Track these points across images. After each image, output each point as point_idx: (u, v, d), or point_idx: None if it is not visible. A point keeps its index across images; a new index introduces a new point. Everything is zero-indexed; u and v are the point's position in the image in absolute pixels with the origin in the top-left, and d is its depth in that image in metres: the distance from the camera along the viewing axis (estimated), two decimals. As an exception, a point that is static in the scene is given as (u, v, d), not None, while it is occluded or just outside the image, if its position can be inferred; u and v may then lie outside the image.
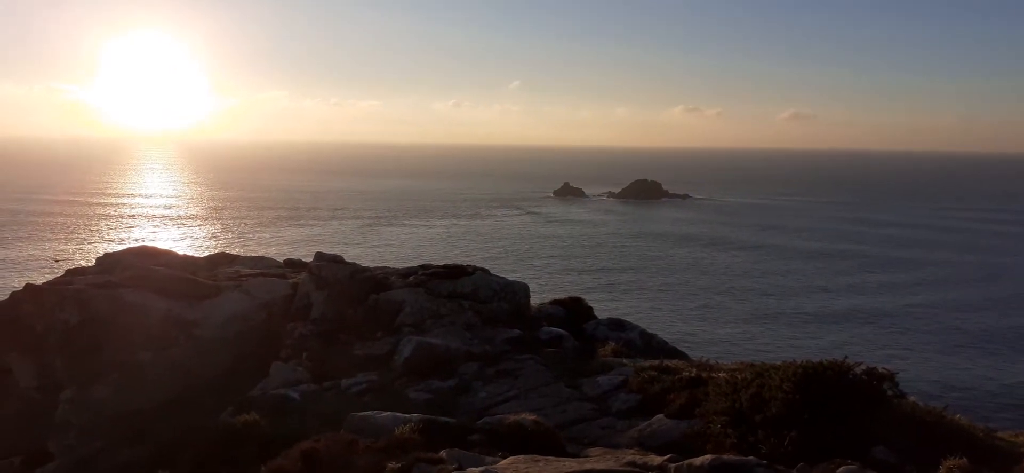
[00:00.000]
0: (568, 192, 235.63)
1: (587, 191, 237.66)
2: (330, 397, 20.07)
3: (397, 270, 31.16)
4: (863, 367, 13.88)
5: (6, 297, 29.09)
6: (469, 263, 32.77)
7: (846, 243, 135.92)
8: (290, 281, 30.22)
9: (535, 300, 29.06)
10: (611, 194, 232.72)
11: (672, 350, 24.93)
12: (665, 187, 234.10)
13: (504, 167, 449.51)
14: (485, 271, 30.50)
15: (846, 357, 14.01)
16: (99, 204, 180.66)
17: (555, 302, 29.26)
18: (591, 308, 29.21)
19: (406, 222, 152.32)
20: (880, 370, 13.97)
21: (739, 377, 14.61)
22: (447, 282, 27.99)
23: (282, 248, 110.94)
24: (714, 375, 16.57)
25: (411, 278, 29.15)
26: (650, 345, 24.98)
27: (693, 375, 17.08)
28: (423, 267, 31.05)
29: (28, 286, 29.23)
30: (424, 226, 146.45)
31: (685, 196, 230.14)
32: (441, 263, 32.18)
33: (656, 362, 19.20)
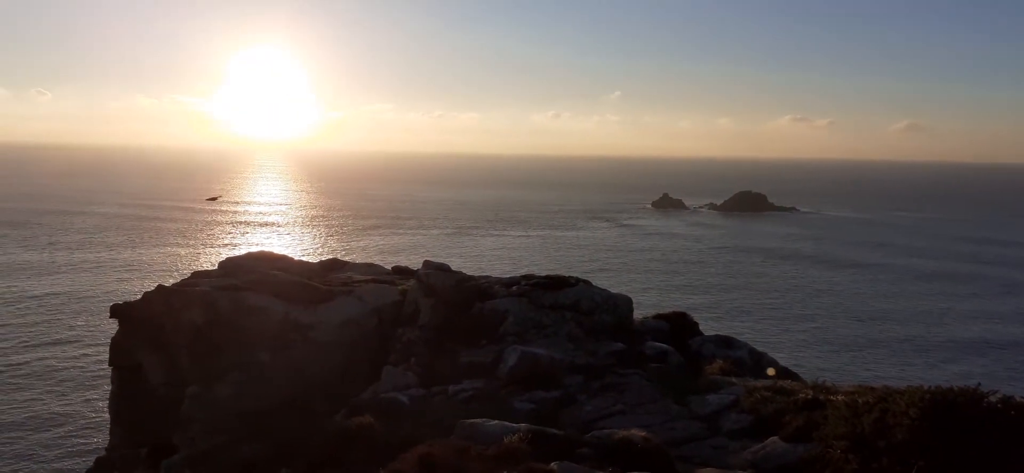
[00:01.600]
0: (668, 204, 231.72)
1: (687, 202, 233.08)
2: (438, 403, 20.48)
3: (500, 279, 31.53)
4: (998, 396, 13.04)
5: (139, 297, 31.26)
6: (570, 274, 32.81)
7: (967, 264, 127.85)
8: (399, 288, 31.06)
9: (637, 314, 28.80)
10: (712, 206, 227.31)
11: (783, 370, 24.14)
12: (770, 199, 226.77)
13: (602, 178, 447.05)
14: (587, 283, 30.44)
15: (978, 384, 13.20)
16: (221, 209, 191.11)
17: (659, 316, 28.89)
18: (696, 323, 28.67)
19: (506, 232, 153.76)
20: (1018, 400, 13.08)
21: (860, 401, 14.00)
22: (549, 293, 28.09)
23: (389, 255, 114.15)
24: (832, 398, 15.93)
25: (514, 288, 29.42)
26: (759, 364, 24.28)
27: (809, 397, 16.48)
28: (525, 277, 31.27)
29: (159, 287, 31.22)
30: (524, 236, 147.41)
31: (792, 209, 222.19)
32: (543, 274, 32.33)
33: (769, 382, 18.65)
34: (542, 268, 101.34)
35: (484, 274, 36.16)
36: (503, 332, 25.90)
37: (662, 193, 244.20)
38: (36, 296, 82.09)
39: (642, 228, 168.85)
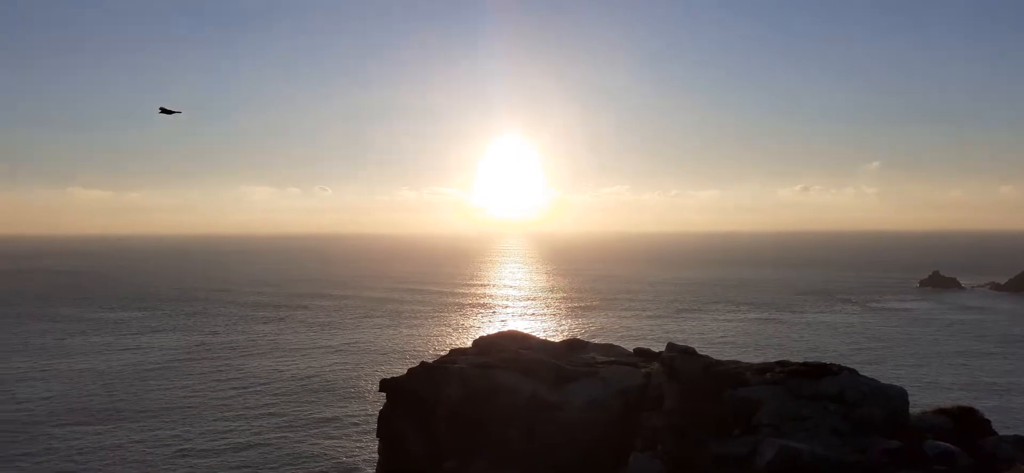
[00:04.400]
0: (938, 282, 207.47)
1: (963, 281, 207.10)
2: (689, 494, 19.67)
3: (751, 365, 29.95)
4: None
5: (405, 373, 33.97)
6: (829, 362, 30.31)
7: None
8: (643, 371, 30.65)
9: (913, 409, 25.84)
10: (994, 285, 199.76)
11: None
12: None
13: (860, 255, 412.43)
14: (852, 371, 27.99)
15: None
16: (473, 290, 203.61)
17: (940, 411, 25.73)
18: (988, 421, 25.11)
19: (754, 314, 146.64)
20: None
21: None
22: (809, 381, 26.16)
23: (628, 337, 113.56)
24: None
25: (768, 375, 27.78)
26: (1075, 474, 20.49)
27: None
28: (780, 364, 29.45)
29: (422, 364, 33.70)
30: (773, 319, 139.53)
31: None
32: (799, 360, 30.24)
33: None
34: (796, 354, 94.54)
35: (732, 359, 34.58)
36: (757, 423, 24.43)
37: (932, 271, 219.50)
38: (316, 365, 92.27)
39: (910, 311, 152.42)
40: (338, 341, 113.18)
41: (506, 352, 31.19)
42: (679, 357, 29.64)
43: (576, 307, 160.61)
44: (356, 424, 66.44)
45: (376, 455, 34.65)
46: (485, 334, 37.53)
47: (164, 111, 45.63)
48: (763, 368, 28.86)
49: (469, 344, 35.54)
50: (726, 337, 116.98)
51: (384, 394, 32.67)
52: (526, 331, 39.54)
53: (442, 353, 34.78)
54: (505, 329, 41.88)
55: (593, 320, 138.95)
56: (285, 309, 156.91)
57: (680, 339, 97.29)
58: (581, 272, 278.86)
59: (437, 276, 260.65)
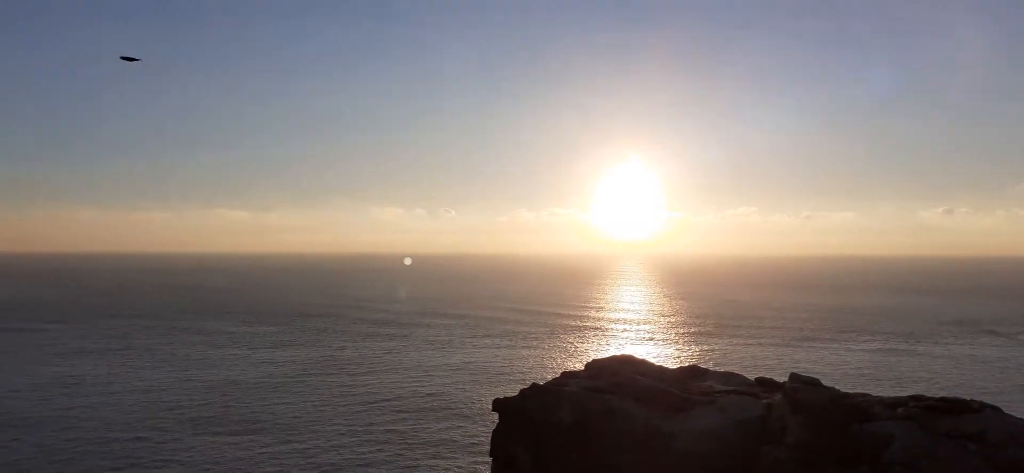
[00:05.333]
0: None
1: None
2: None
3: (882, 399, 28.29)
4: None
5: (518, 393, 34.24)
6: (971, 398, 28.17)
7: None
8: (763, 401, 29.50)
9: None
10: None
11: None
12: None
13: (1009, 283, 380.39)
14: (996, 409, 25.87)
15: None
16: (588, 312, 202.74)
17: (1102, 459, 23.21)
18: None
19: (887, 344, 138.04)
20: None
21: None
22: (946, 418, 24.39)
23: (750, 366, 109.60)
24: None
25: (900, 410, 26.13)
26: None
27: None
28: (914, 398, 27.66)
29: (533, 385, 33.88)
30: (908, 350, 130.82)
31: None
32: (936, 395, 28.31)
33: None
34: (934, 389, 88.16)
35: (861, 391, 32.71)
36: (888, 460, 22.97)
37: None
38: (435, 383, 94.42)
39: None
40: (456, 360, 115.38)
41: (619, 377, 30.84)
42: (803, 388, 28.38)
43: (696, 333, 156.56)
44: (472, 444, 67.42)
45: (490, 475, 35.02)
46: (598, 357, 37.25)
47: (125, 59, 46.64)
48: (895, 402, 27.19)
49: (582, 367, 35.39)
50: (855, 368, 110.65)
51: (497, 414, 33.05)
52: (641, 356, 38.93)
53: (554, 375, 34.79)
54: (619, 353, 41.37)
55: (713, 347, 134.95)
56: (408, 327, 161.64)
57: (805, 369, 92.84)
58: (702, 296, 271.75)
59: (552, 297, 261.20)
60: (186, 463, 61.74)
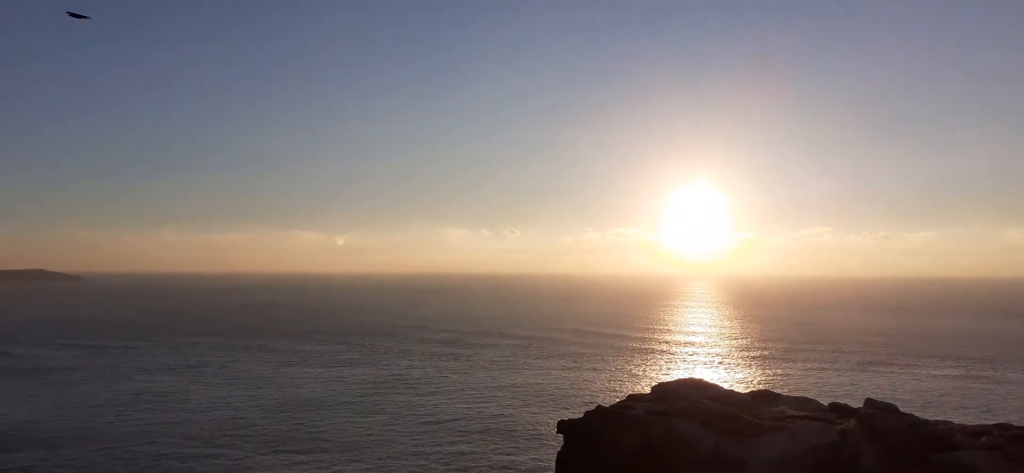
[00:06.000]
0: None
1: None
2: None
3: (964, 427, 27.16)
4: None
5: (582, 415, 34.13)
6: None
7: None
8: (837, 427, 28.69)
9: None
10: None
11: None
12: None
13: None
14: (1090, 442, 24.51)
15: None
16: (654, 333, 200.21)
17: None
18: None
19: (969, 371, 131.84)
20: None
21: None
22: (1035, 450, 23.23)
23: (824, 390, 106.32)
24: None
25: (984, 439, 25.06)
26: None
27: None
28: (999, 427, 26.48)
29: (598, 408, 33.70)
30: (992, 375, 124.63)
31: None
32: (1023, 424, 26.99)
33: None
34: (1021, 418, 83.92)
35: (942, 419, 31.46)
36: (970, 492, 21.99)
37: None
38: (500, 404, 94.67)
39: None
40: (520, 381, 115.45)
41: (687, 400, 30.45)
42: (879, 414, 27.51)
43: (767, 356, 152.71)
44: (537, 467, 67.25)
45: (555, 497, 34.88)
46: (665, 380, 36.82)
47: (73, 15, 46.96)
48: (978, 431, 26.08)
49: (647, 390, 35.05)
50: (936, 395, 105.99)
51: (562, 436, 33.01)
52: (710, 380, 38.28)
53: (619, 397, 34.56)
54: (687, 376, 40.83)
55: (785, 371, 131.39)
56: (473, 347, 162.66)
57: (882, 395, 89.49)
58: (774, 318, 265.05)
59: (617, 318, 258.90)
60: (259, 478, 63.42)
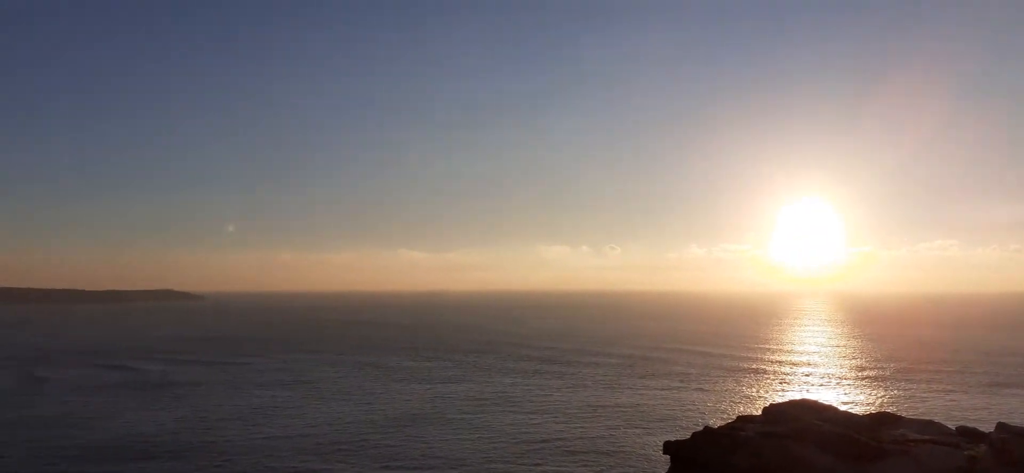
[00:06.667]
0: None
1: None
2: None
3: (1114, 457, 24.87)
4: None
5: (689, 436, 33.44)
6: None
7: None
8: (965, 453, 26.96)
9: None
10: None
11: None
12: None
13: None
14: None
15: None
16: (763, 352, 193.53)
17: None
18: None
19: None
20: None
21: None
22: None
23: (951, 414, 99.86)
24: None
25: None
26: None
27: None
28: None
29: (706, 429, 32.96)
30: None
31: None
32: None
33: None
34: None
35: (1088, 447, 28.92)
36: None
37: None
38: (603, 424, 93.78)
39: None
40: (624, 400, 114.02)
41: (800, 422, 29.34)
42: (1012, 439, 25.67)
43: (886, 376, 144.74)
44: (643, 485, 66.15)
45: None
46: (777, 401, 35.63)
47: None
48: None
49: (758, 412, 34.00)
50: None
51: (669, 457, 32.44)
52: (825, 401, 36.73)
53: (727, 419, 33.65)
54: (799, 398, 39.43)
55: (906, 392, 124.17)
56: (576, 365, 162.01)
57: (1016, 419, 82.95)
58: (893, 336, 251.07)
59: (724, 336, 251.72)
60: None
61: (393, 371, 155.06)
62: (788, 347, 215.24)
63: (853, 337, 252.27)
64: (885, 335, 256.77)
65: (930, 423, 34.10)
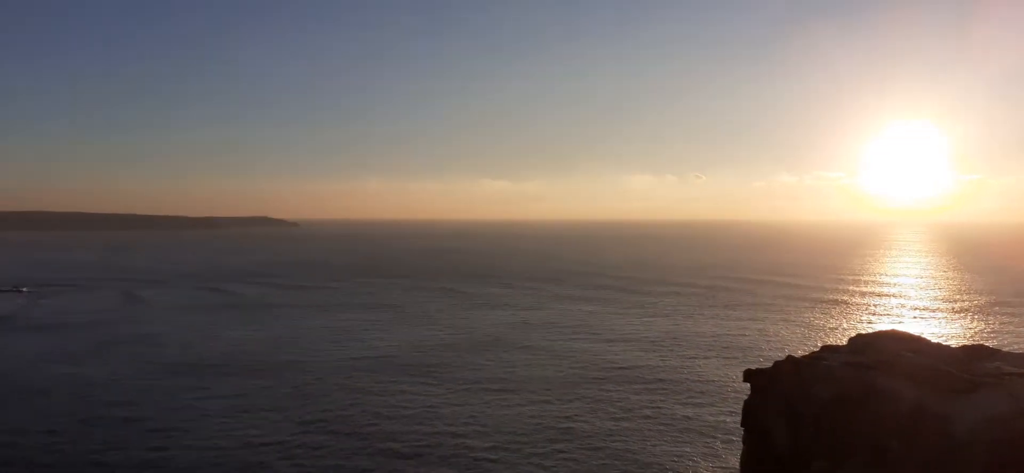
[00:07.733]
0: None
1: None
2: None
3: None
4: None
5: (771, 365, 32.96)
6: None
7: None
8: (1067, 389, 25.65)
9: None
10: None
11: None
12: None
13: None
14: None
15: None
16: (854, 285, 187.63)
17: None
18: None
19: None
20: None
21: None
22: None
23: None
24: None
25: None
26: None
27: None
28: None
29: (789, 358, 32.38)
30: None
31: None
32: None
33: None
34: None
35: None
36: None
37: None
38: (685, 353, 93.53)
39: None
40: (706, 329, 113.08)
41: (887, 353, 28.49)
42: (1120, 377, 24.26)
43: (984, 309, 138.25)
44: (723, 419, 66.02)
45: (742, 445, 34.26)
46: (864, 332, 34.61)
47: None
48: None
49: (844, 342, 33.13)
50: None
51: (748, 385, 32.17)
52: (916, 333, 35.46)
53: (813, 349, 32.92)
54: (889, 329, 38.14)
55: (1006, 326, 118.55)
56: (656, 295, 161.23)
57: None
58: (998, 269, 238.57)
59: (814, 267, 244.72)
60: (452, 419, 67.42)
61: (474, 297, 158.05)
62: (879, 279, 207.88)
63: (953, 269, 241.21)
64: (989, 268, 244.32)
65: (1030, 357, 32.47)
